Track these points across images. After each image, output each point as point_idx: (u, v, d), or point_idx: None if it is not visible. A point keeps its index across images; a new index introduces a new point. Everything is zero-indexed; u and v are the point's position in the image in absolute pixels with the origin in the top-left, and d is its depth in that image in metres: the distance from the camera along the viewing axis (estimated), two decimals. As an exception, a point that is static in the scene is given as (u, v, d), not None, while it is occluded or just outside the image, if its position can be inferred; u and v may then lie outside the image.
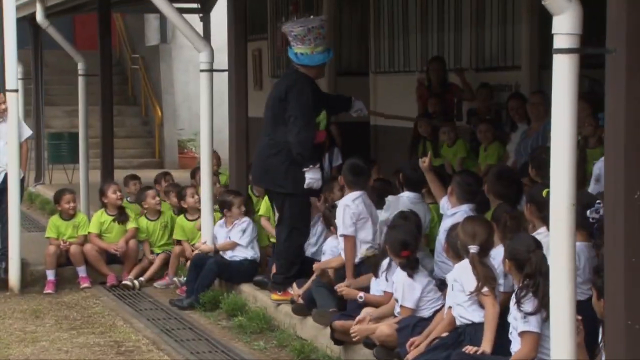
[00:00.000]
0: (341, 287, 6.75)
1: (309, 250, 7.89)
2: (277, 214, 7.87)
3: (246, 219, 8.67)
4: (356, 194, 7.05)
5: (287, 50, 7.81)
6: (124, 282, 9.47)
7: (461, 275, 5.55)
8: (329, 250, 7.37)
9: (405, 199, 7.02)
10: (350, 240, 6.95)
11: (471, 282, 5.46)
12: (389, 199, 7.01)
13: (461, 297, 5.54)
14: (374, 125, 11.87)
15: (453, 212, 6.55)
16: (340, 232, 7.00)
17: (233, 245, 8.63)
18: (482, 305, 5.44)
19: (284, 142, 7.55)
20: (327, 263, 7.25)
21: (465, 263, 5.54)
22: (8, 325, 8.03)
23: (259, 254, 8.66)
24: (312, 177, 7.51)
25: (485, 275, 5.42)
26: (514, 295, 5.18)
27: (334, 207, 7.35)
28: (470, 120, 9.69)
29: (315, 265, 7.30)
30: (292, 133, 7.46)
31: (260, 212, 8.97)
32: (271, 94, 7.86)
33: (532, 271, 5.04)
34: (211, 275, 8.56)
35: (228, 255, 8.64)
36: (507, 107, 8.96)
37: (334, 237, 7.34)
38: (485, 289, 5.40)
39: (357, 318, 6.35)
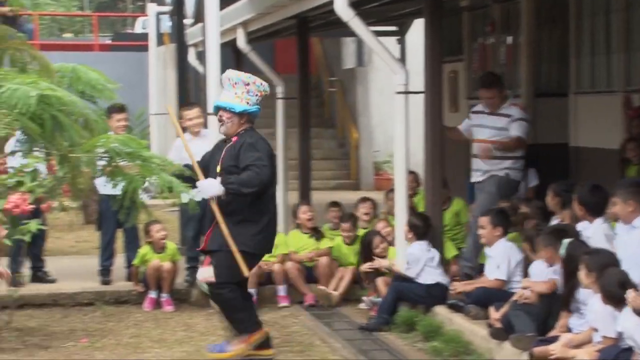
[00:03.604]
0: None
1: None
2: None
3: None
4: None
5: None
6: (319, 286, 9.59)
7: None
8: (537, 273, 7.21)
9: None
10: None
11: None
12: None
13: None
14: (574, 147, 11.58)
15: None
16: None
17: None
18: None
19: None
20: (534, 285, 7.10)
21: None
22: (211, 342, 8.26)
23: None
24: None
25: None
26: None
27: (539, 229, 7.25)
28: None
29: (525, 282, 7.22)
30: None
31: None
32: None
33: None
34: (388, 298, 8.62)
35: (421, 278, 8.64)
36: None
37: (539, 261, 7.20)
38: None
39: (558, 343, 6.23)
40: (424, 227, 8.73)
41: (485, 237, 8.16)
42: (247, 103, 7.46)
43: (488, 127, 9.10)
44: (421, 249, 8.67)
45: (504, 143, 8.99)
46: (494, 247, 8.06)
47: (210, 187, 7.27)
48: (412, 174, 9.88)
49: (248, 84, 7.48)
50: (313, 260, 9.95)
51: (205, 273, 7.45)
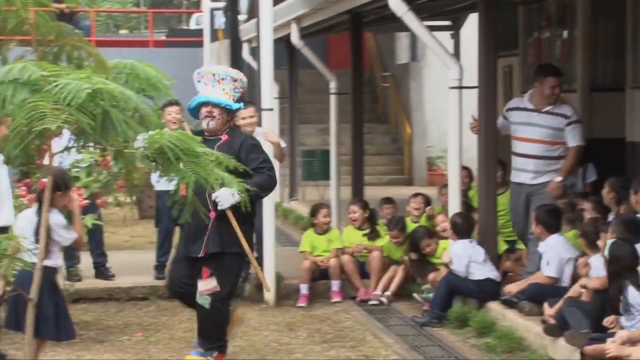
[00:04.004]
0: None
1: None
2: None
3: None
4: None
5: None
6: (370, 302, 9.55)
7: None
8: (593, 270, 7.16)
9: None
10: None
11: None
12: None
13: None
14: (630, 142, 11.44)
15: None
16: None
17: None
18: None
19: None
20: (589, 282, 7.05)
21: None
22: (264, 336, 8.31)
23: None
24: None
25: None
26: None
27: (596, 224, 7.17)
28: None
29: (582, 281, 7.15)
30: None
31: None
32: None
33: None
34: (440, 293, 8.62)
35: (471, 275, 8.60)
36: None
37: (596, 256, 7.14)
38: None
39: (613, 339, 6.16)
40: (464, 226, 8.70)
41: (535, 233, 8.12)
42: (233, 99, 7.25)
43: (540, 125, 8.70)
44: (464, 247, 8.63)
45: (569, 170, 8.67)
46: (544, 243, 8.00)
47: (229, 197, 6.87)
48: (465, 169, 9.82)
49: (236, 80, 7.23)
50: (364, 255, 9.94)
51: (208, 285, 7.05)
